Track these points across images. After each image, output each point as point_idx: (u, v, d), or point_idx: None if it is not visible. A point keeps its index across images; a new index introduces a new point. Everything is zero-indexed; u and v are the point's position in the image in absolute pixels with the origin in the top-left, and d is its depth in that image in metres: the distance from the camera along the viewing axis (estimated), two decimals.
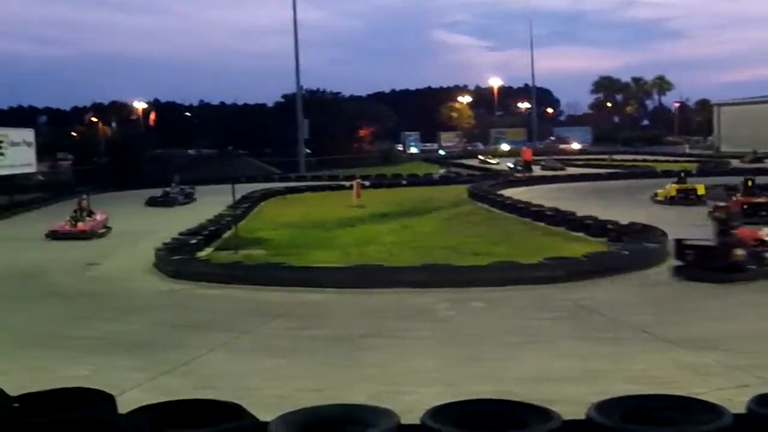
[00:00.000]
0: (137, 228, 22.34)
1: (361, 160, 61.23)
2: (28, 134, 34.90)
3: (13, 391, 4.92)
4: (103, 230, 21.65)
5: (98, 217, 22.03)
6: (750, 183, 20.91)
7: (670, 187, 24.45)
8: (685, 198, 23.57)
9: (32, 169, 36.07)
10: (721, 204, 15.31)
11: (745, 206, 18.58)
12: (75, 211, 21.71)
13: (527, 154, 43.35)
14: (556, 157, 54.34)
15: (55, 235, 20.67)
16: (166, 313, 11.22)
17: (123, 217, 26.53)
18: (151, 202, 30.26)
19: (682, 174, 26.30)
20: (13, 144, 31.94)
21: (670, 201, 23.72)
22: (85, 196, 23.20)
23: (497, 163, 51.25)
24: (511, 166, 44.60)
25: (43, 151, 45.41)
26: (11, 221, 26.94)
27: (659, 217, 18.76)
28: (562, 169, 43.31)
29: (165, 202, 29.75)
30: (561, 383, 6.73)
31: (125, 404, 4.76)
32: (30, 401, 4.69)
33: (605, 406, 4.35)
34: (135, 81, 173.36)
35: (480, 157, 56.45)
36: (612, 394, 4.66)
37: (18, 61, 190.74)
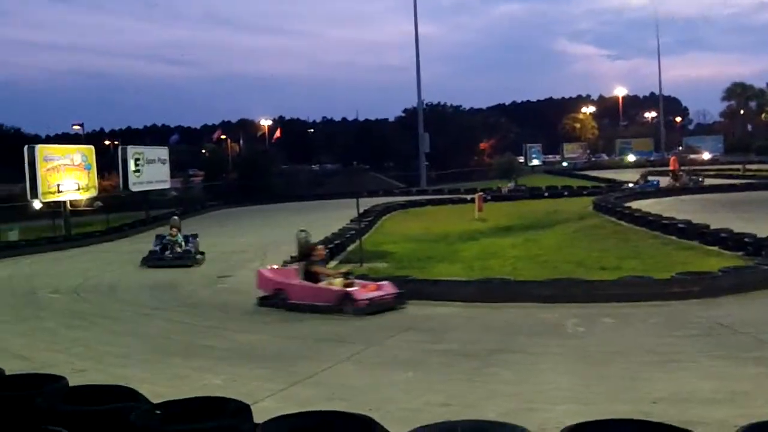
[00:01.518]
0: (265, 241, 22.95)
1: (481, 173, 60.90)
2: (163, 152, 36.55)
3: (153, 398, 5.14)
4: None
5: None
6: None
7: None
8: None
9: (166, 186, 37.74)
10: None
11: None
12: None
13: (673, 163, 40.51)
14: (692, 167, 48.74)
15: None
16: (294, 325, 11.42)
17: (252, 229, 27.43)
18: None
19: None
20: (149, 161, 33.55)
21: None
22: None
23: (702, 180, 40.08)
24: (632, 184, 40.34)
25: (175, 168, 47.50)
26: (146, 235, 28.22)
27: None
28: (701, 183, 39.31)
29: None
30: (702, 405, 6.41)
31: (260, 414, 4.86)
32: (171, 409, 4.88)
33: (753, 430, 4.12)
34: (261, 99, 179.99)
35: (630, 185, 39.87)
36: (759, 417, 4.40)
37: (152, 81, 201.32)
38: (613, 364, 8.06)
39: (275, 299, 12.64)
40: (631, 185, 38.12)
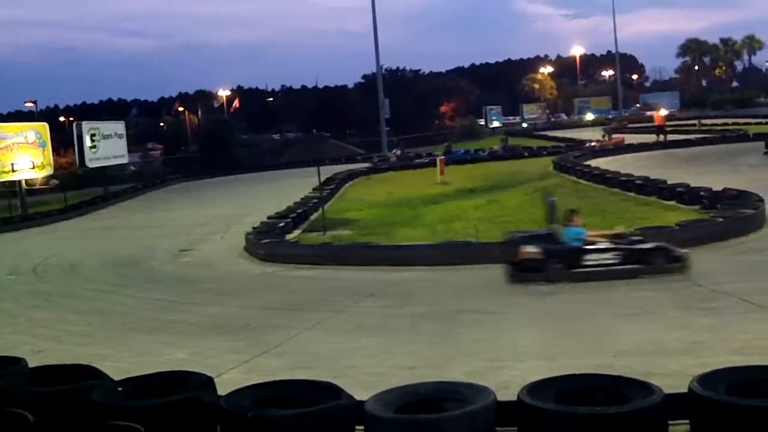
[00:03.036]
0: (228, 212, 22.80)
1: (443, 137, 60.90)
2: (119, 127, 36.01)
3: (117, 375, 5.10)
4: None
5: None
6: None
7: None
8: None
9: (124, 161, 37.23)
10: None
11: None
12: None
13: (659, 118, 40.50)
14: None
15: None
16: (260, 295, 11.41)
17: (214, 201, 27.22)
18: None
19: None
20: (105, 137, 33.03)
21: None
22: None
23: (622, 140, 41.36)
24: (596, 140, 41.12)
25: (133, 143, 46.85)
26: (106, 211, 27.93)
27: (755, 182, 17.97)
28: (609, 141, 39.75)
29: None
30: (661, 356, 6.54)
31: (224, 386, 4.86)
32: (133, 385, 4.85)
33: (709, 379, 4.21)
34: (218, 69, 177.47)
35: (603, 135, 43.86)
36: (715, 366, 4.51)
37: (106, 54, 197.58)
38: (577, 321, 8.18)
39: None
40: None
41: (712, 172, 21.38)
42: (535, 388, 4.28)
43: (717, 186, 16.45)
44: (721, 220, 13.18)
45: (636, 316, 8.19)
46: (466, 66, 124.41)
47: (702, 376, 4.23)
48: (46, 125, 30.09)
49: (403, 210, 20.62)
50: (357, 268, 12.68)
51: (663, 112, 53.07)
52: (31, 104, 70.22)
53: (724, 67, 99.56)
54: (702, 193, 16.34)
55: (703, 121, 49.99)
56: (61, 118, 73.90)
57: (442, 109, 76.61)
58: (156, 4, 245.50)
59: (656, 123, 40.01)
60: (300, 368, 6.91)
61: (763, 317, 7.73)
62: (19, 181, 27.54)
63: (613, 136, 41.95)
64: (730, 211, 13.77)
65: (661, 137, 36.74)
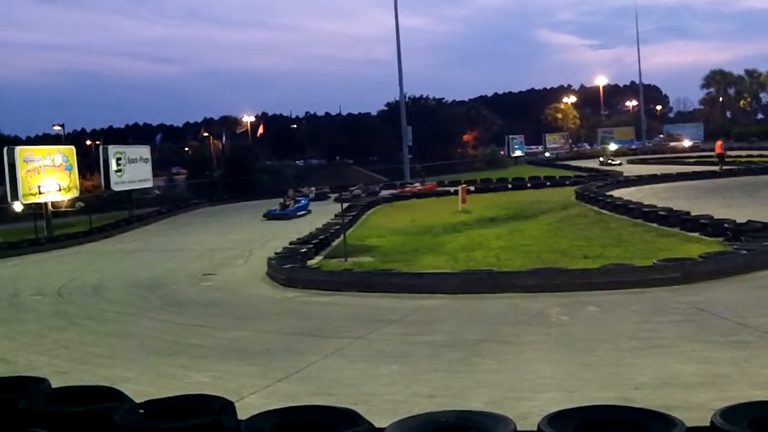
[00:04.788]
0: (250, 237, 22.94)
1: (465, 165, 61.03)
2: (145, 151, 36.42)
3: (138, 397, 5.14)
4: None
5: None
6: None
7: None
8: None
9: (149, 185, 37.60)
10: None
11: None
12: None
13: (719, 147, 41.87)
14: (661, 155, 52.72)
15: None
16: (280, 320, 11.44)
17: (237, 226, 27.39)
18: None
19: None
20: (131, 161, 33.43)
21: None
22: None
23: (620, 164, 49.64)
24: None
25: (158, 167, 47.31)
26: (130, 234, 28.18)
27: None
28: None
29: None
30: (684, 389, 6.48)
31: (244, 410, 4.88)
32: (154, 407, 4.88)
33: (731, 413, 4.17)
34: (243, 95, 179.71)
35: (601, 159, 54.53)
36: (738, 400, 4.46)
37: (131, 79, 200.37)
38: (597, 352, 8.12)
39: None
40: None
41: (736, 205, 21.25)
42: (556, 419, 4.26)
43: (741, 218, 16.34)
44: (744, 252, 13.07)
45: (656, 348, 8.12)
46: (489, 95, 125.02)
47: (724, 409, 4.20)
48: (73, 148, 30.52)
49: (425, 238, 20.64)
50: (378, 294, 12.71)
51: (687, 143, 53.19)
52: (58, 127, 71.22)
53: (748, 99, 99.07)
54: (726, 225, 16.23)
55: (728, 153, 49.76)
56: (88, 142, 74.96)
57: (465, 137, 76.81)
58: (180, 31, 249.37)
59: (716, 152, 41.40)
60: (320, 394, 6.92)
61: None
62: (46, 203, 27.88)
63: (426, 181, 43.46)
64: (754, 244, 13.66)
65: (722, 167, 37.23)
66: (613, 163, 50.85)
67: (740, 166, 38.04)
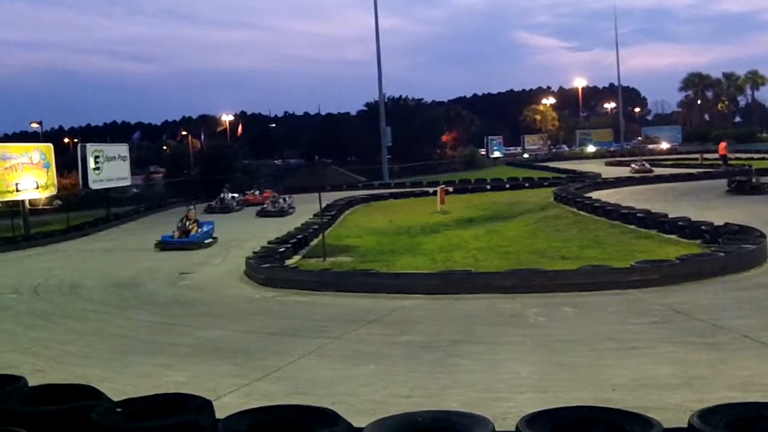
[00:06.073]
0: (228, 237, 22.83)
1: (444, 166, 61.12)
2: (123, 149, 36.12)
3: (116, 396, 5.11)
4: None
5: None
6: None
7: None
8: None
9: (127, 183, 37.31)
10: None
11: None
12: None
13: (722, 149, 42.98)
14: (646, 158, 52.58)
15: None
16: (258, 319, 11.40)
17: (216, 225, 27.22)
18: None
19: None
20: (109, 159, 33.13)
21: None
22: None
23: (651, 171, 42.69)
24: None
25: (136, 165, 46.94)
26: (108, 233, 27.95)
27: (755, 217, 18.03)
28: (650, 171, 42.23)
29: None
30: (660, 390, 6.53)
31: (222, 409, 4.86)
32: (132, 406, 4.85)
33: (708, 414, 4.21)
34: (222, 94, 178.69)
35: (633, 165, 45.99)
36: (715, 402, 4.51)
37: (109, 78, 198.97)
38: (574, 353, 8.18)
39: None
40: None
41: (713, 207, 21.46)
42: (534, 420, 4.28)
43: (718, 221, 16.50)
44: (722, 254, 13.21)
45: (634, 349, 8.19)
46: (468, 96, 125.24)
47: (702, 411, 4.24)
48: (51, 146, 30.17)
49: (403, 238, 20.67)
50: (356, 294, 12.71)
51: (665, 145, 53.48)
52: (36, 125, 70.38)
53: (726, 102, 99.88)
54: (703, 227, 16.39)
55: (705, 156, 50.21)
56: (66, 140, 74.19)
57: (444, 138, 76.87)
58: (159, 30, 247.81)
59: (720, 153, 43.23)
60: (297, 394, 6.92)
61: (764, 354, 7.73)
62: (23, 201, 27.61)
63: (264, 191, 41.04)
64: (732, 246, 13.81)
65: (724, 167, 38.38)
66: (645, 168, 44.24)
67: (719, 169, 38.43)
